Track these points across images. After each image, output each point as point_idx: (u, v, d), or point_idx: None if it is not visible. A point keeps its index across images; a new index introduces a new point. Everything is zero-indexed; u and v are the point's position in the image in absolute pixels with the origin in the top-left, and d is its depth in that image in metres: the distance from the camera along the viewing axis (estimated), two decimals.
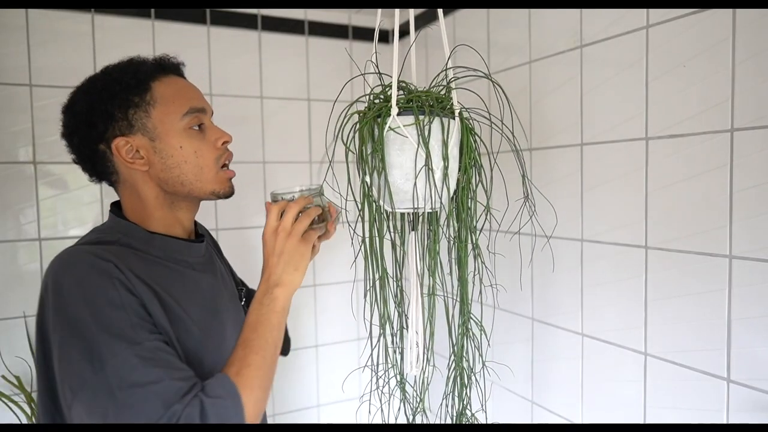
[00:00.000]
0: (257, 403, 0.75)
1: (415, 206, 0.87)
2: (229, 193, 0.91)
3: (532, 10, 1.34)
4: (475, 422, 1.04)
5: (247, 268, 1.05)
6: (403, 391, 1.02)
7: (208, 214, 1.64)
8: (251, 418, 0.74)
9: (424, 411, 1.04)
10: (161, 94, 0.85)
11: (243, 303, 1.01)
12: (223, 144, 0.90)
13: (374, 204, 0.93)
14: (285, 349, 1.17)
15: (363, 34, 1.86)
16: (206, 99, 0.93)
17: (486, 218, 0.97)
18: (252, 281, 1.04)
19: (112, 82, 0.84)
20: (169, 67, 0.90)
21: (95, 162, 0.87)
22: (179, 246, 0.88)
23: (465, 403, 1.00)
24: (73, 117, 0.86)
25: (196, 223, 1.00)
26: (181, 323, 0.79)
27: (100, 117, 0.84)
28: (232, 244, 1.64)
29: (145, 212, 0.87)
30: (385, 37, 1.89)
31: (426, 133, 0.84)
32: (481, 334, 1.00)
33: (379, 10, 0.98)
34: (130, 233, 0.84)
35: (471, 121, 0.94)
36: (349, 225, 0.96)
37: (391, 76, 0.89)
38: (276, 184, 1.75)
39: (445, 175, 0.87)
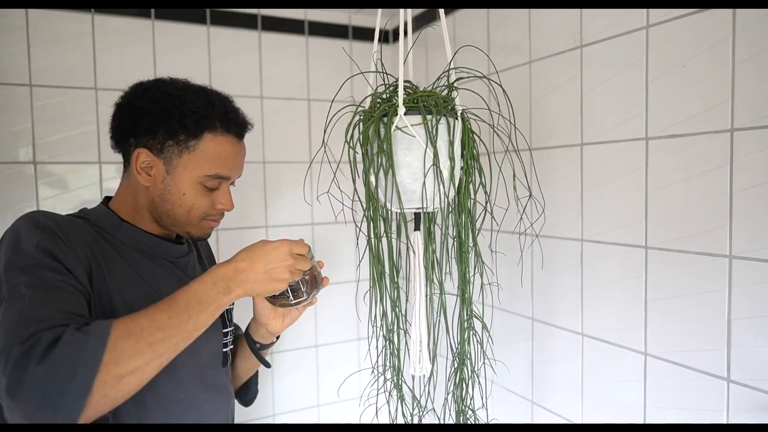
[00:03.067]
0: (132, 357, 0.67)
1: (424, 206, 0.88)
2: (202, 239, 0.96)
3: (532, 10, 1.34)
4: (477, 420, 1.04)
5: None
6: (399, 390, 1.02)
7: None
8: (113, 365, 0.65)
9: (433, 410, 1.04)
10: (205, 148, 0.88)
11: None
12: (220, 208, 0.93)
13: (377, 204, 0.93)
14: (249, 398, 1.15)
15: (363, 34, 1.86)
16: (243, 165, 0.96)
17: (484, 218, 0.97)
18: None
19: (175, 112, 0.87)
20: (232, 127, 0.92)
21: (119, 141, 0.92)
22: (146, 238, 0.91)
23: (467, 401, 1.00)
24: (130, 105, 0.90)
25: None
26: (106, 297, 0.81)
27: (145, 125, 0.87)
28: (231, 244, 1.64)
29: (132, 210, 0.92)
30: (384, 37, 1.89)
31: (434, 132, 0.85)
32: (482, 331, 1.00)
33: (380, 10, 0.98)
34: (104, 218, 0.89)
35: (471, 121, 0.94)
36: (356, 225, 0.96)
37: (393, 76, 0.89)
38: (276, 184, 1.75)
39: (452, 175, 0.87)
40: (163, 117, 0.87)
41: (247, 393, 1.14)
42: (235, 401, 1.11)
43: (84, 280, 0.77)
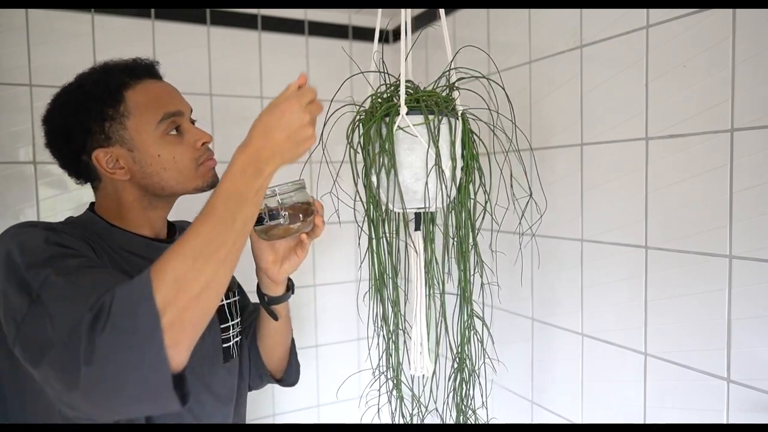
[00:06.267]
0: (197, 275, 0.64)
1: (426, 206, 0.88)
2: (212, 184, 0.91)
3: (532, 10, 1.34)
4: (477, 419, 1.04)
5: (244, 265, 1.05)
6: (399, 390, 1.02)
7: None
8: (175, 292, 0.63)
9: (436, 410, 1.04)
10: (135, 103, 0.85)
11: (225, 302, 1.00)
12: (203, 144, 0.90)
13: (379, 204, 0.93)
14: (292, 375, 1.11)
15: (363, 34, 1.86)
16: (184, 98, 0.92)
17: (483, 217, 0.97)
18: (249, 279, 1.04)
19: (86, 96, 0.84)
20: (140, 72, 0.89)
21: (78, 169, 0.89)
22: (138, 241, 0.89)
23: (467, 401, 1.00)
24: (51, 130, 0.87)
25: (172, 225, 1.01)
26: None
27: (78, 131, 0.85)
28: None
29: (118, 213, 0.89)
30: (384, 37, 1.89)
31: (436, 132, 0.85)
32: (483, 330, 1.00)
33: (380, 10, 0.99)
34: (92, 225, 0.87)
35: (472, 121, 0.94)
36: (358, 225, 0.96)
37: (393, 76, 0.89)
38: (275, 183, 1.75)
39: (454, 175, 0.88)
40: (81, 110, 0.84)
41: (290, 369, 1.09)
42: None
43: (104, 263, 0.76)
